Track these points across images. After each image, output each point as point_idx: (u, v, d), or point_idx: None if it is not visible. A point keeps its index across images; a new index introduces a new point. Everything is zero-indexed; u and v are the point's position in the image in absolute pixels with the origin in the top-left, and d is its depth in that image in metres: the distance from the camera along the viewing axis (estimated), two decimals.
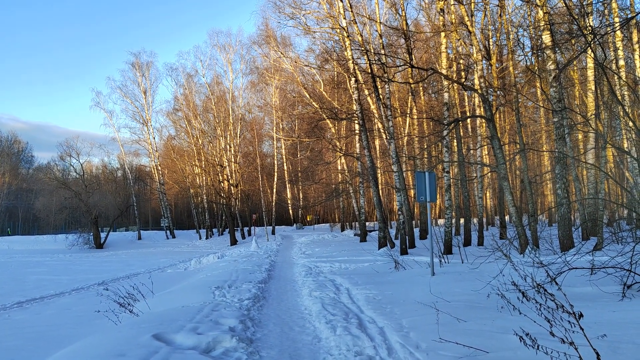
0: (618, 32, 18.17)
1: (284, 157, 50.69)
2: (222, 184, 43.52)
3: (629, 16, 16.85)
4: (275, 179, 49.75)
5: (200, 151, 47.35)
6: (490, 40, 23.42)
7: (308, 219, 57.60)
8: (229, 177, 44.01)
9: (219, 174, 43.87)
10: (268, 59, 37.76)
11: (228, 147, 45.18)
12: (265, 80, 43.29)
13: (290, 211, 57.29)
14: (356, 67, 22.15)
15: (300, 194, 54.95)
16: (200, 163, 48.10)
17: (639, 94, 15.51)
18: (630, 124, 14.36)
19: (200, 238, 49.91)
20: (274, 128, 46.89)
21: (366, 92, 24.97)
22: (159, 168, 52.10)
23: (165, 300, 9.94)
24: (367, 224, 34.40)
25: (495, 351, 4.68)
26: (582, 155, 20.09)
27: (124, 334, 6.31)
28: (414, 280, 10.76)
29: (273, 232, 47.25)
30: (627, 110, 15.25)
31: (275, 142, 49.81)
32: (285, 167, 51.10)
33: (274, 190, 49.96)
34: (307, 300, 9.46)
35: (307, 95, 30.75)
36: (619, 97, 16.50)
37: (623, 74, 17.99)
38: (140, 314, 8.30)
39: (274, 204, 50.44)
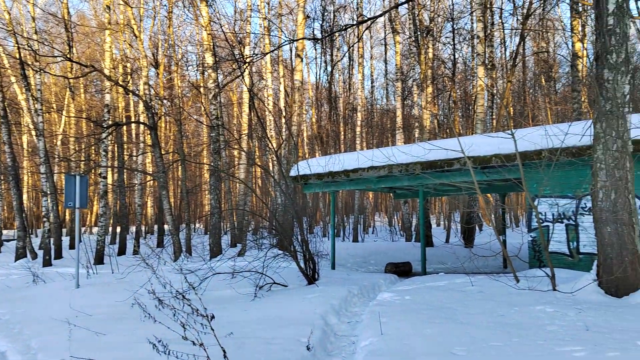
0: (269, 65, 21.01)
1: None
2: None
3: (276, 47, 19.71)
4: None
5: None
6: (160, 49, 23.59)
7: None
8: None
9: None
10: None
11: None
12: None
13: None
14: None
15: None
16: None
17: (278, 122, 18.17)
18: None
19: None
20: None
21: (13, 79, 21.45)
22: None
23: None
24: (5, 232, 29.39)
25: None
26: (235, 169, 22.19)
27: None
28: (55, 294, 9.71)
29: None
30: (268, 134, 17.66)
31: None
32: None
33: None
34: None
35: None
36: (266, 122, 19.02)
37: (270, 102, 20.81)
38: None
39: None
